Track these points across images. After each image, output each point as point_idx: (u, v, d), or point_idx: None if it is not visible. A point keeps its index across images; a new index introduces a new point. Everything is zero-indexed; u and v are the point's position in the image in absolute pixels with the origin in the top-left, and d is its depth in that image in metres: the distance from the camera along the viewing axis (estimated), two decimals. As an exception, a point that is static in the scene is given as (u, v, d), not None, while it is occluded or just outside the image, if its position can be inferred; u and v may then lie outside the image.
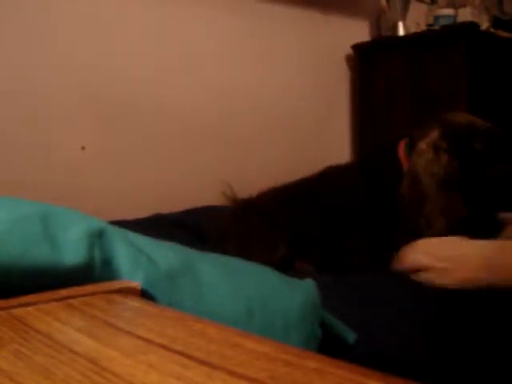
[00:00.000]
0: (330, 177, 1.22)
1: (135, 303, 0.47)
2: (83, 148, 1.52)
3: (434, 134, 1.10)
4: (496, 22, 2.23)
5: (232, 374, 0.32)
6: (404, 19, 2.19)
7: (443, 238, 0.99)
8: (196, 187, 1.74)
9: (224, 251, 0.87)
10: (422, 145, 1.10)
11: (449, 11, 2.16)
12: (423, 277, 0.96)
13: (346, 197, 1.15)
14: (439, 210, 1.05)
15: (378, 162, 1.21)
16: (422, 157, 1.09)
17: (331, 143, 2.18)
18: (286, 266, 0.75)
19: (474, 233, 1.00)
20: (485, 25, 2.14)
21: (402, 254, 1.01)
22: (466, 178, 1.07)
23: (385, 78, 2.14)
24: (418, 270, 0.97)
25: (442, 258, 0.95)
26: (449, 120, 1.14)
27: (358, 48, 2.20)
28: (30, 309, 0.43)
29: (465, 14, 2.14)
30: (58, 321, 0.41)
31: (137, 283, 0.51)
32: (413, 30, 2.19)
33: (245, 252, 0.98)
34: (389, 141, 1.36)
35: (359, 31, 2.26)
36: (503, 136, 1.12)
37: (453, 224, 1.04)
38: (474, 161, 1.07)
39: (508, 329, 0.85)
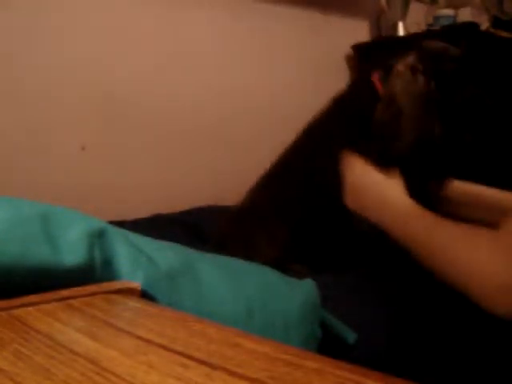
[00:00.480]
0: (313, 144, 1.24)
1: (135, 303, 0.47)
2: (83, 148, 1.52)
3: (411, 58, 1.14)
4: (496, 22, 2.23)
5: (232, 373, 0.32)
6: (404, 19, 2.19)
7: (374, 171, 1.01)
8: (196, 187, 1.74)
9: (225, 252, 0.87)
10: (400, 67, 1.14)
11: (449, 11, 2.16)
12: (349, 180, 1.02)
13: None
14: (413, 126, 1.08)
15: (353, 94, 1.25)
16: (400, 78, 1.13)
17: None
18: (279, 268, 0.76)
19: (446, 158, 1.05)
20: (485, 25, 2.14)
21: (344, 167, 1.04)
22: (442, 98, 1.10)
23: (385, 78, 2.14)
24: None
25: (356, 181, 1.01)
26: (424, 45, 1.20)
27: (357, 48, 2.19)
28: (30, 309, 0.43)
29: (465, 14, 2.14)
30: (58, 321, 0.41)
31: (137, 283, 0.51)
32: (413, 30, 2.19)
33: (246, 253, 0.98)
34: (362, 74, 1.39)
35: (359, 31, 2.26)
36: (475, 61, 1.18)
37: (423, 139, 1.06)
38: (447, 82, 1.11)
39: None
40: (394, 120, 1.09)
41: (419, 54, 1.15)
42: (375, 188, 0.98)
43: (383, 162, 1.02)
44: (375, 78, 1.18)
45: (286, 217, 1.18)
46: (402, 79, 1.12)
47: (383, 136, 1.09)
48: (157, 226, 1.31)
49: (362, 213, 0.99)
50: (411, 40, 2.10)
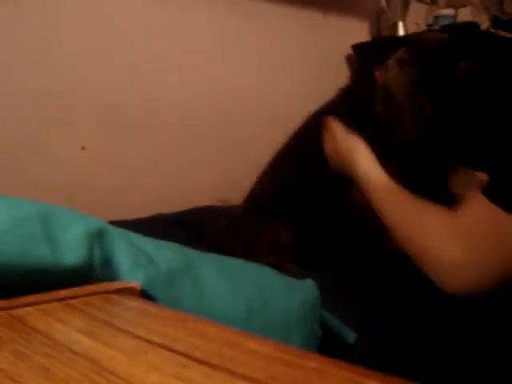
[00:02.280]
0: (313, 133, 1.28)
1: (135, 303, 0.47)
2: (83, 148, 1.52)
3: (401, 51, 1.19)
4: (496, 22, 2.23)
5: (232, 374, 0.32)
6: (404, 19, 2.19)
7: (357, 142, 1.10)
8: (196, 187, 1.74)
9: (227, 252, 0.87)
10: (391, 62, 1.19)
11: (449, 11, 2.16)
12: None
13: None
14: (406, 114, 1.12)
15: (357, 88, 1.30)
16: (390, 71, 1.18)
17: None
18: (279, 268, 0.77)
19: (441, 139, 1.08)
20: (485, 25, 2.14)
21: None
22: (431, 81, 1.13)
23: (385, 78, 2.14)
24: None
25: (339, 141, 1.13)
26: (414, 37, 1.23)
27: (357, 48, 2.19)
28: (30, 309, 0.43)
29: (465, 14, 2.14)
30: (58, 321, 0.41)
31: (137, 283, 0.51)
32: (413, 30, 2.19)
33: (250, 253, 0.99)
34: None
35: (359, 31, 2.26)
36: (465, 43, 1.22)
37: (421, 124, 1.10)
38: (433, 66, 1.14)
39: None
40: (390, 112, 1.14)
41: (407, 46, 1.19)
42: (349, 151, 1.09)
43: (388, 153, 1.09)
44: (377, 74, 1.22)
45: (287, 216, 1.18)
46: (392, 72, 1.17)
47: (386, 130, 1.13)
48: (157, 226, 1.31)
49: (344, 173, 1.10)
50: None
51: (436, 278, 0.79)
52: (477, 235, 0.76)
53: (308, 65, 2.09)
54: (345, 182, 1.13)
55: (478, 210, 0.77)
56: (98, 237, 0.53)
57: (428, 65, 1.14)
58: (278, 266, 0.91)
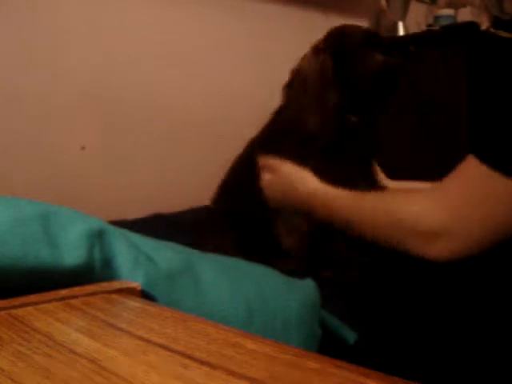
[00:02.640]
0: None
1: (135, 303, 0.47)
2: (83, 148, 1.52)
3: (320, 40, 1.21)
4: (496, 22, 2.23)
5: (232, 373, 0.32)
6: (404, 19, 2.19)
7: (298, 171, 1.05)
8: (196, 187, 1.74)
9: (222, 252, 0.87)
10: (308, 50, 1.21)
11: (449, 11, 2.16)
12: (265, 178, 1.09)
13: None
14: (314, 101, 1.12)
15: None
16: (305, 59, 1.21)
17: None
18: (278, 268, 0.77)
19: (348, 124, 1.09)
20: (485, 25, 2.14)
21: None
22: (343, 72, 1.14)
23: (385, 78, 2.14)
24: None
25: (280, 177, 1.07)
26: (335, 27, 1.23)
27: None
28: (30, 309, 0.43)
29: (465, 14, 2.14)
30: (58, 321, 0.41)
31: (137, 283, 0.51)
32: (413, 30, 2.19)
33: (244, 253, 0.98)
34: None
35: (359, 31, 2.26)
36: (382, 37, 1.20)
37: (325, 114, 1.11)
38: (350, 56, 1.15)
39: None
40: (297, 97, 1.16)
41: (326, 35, 1.21)
42: (291, 178, 1.05)
43: (301, 151, 1.09)
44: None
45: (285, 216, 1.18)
46: (306, 60, 1.20)
47: (296, 119, 1.14)
48: (157, 226, 1.31)
49: (284, 207, 1.06)
50: (411, 40, 2.10)
51: (413, 245, 0.75)
52: (466, 203, 0.71)
53: (308, 65, 2.09)
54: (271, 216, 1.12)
55: (468, 174, 0.71)
56: (98, 237, 0.53)
57: (342, 55, 1.14)
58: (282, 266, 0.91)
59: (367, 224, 0.84)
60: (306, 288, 0.67)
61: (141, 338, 0.38)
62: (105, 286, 0.50)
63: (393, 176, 1.26)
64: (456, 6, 2.20)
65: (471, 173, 0.71)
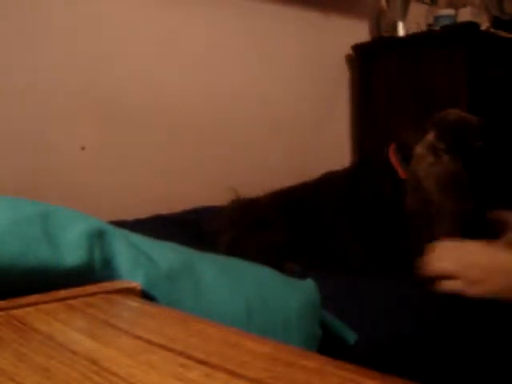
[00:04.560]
0: (324, 184, 1.22)
1: (135, 303, 0.47)
2: (83, 148, 1.52)
3: (430, 136, 1.08)
4: (496, 22, 2.23)
5: (232, 374, 0.32)
6: (404, 19, 2.19)
7: (464, 243, 0.91)
8: (196, 187, 1.74)
9: (219, 251, 0.87)
10: (419, 149, 1.07)
11: (449, 11, 2.16)
12: (451, 285, 0.87)
13: (340, 203, 1.14)
14: (447, 214, 1.01)
15: (371, 170, 1.19)
16: (422, 160, 1.07)
17: (331, 143, 2.18)
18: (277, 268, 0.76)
19: (482, 233, 0.96)
20: (485, 25, 2.14)
21: (425, 261, 0.91)
22: (471, 176, 1.04)
23: (385, 79, 2.14)
24: (444, 278, 0.89)
25: (470, 265, 0.87)
26: (442, 120, 1.11)
27: (358, 48, 2.19)
28: (30, 309, 0.43)
29: (465, 14, 2.14)
30: (58, 321, 0.41)
31: (137, 283, 0.51)
32: (413, 30, 2.19)
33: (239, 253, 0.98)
34: (377, 147, 1.35)
35: (359, 31, 2.26)
36: (498, 130, 1.11)
37: (462, 226, 1.00)
38: (474, 158, 1.05)
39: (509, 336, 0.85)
40: (425, 209, 1.02)
41: (438, 130, 1.07)
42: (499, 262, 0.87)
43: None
44: (391, 154, 1.12)
45: (285, 218, 1.18)
46: (425, 162, 1.05)
47: (418, 227, 1.02)
48: (157, 226, 1.31)
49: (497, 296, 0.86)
50: (411, 40, 2.10)
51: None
52: None
53: (308, 65, 2.09)
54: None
55: None
56: (98, 237, 0.53)
57: (470, 158, 1.03)
58: (281, 266, 0.91)
59: None
60: (306, 288, 0.67)
61: (141, 338, 0.38)
62: (105, 286, 0.50)
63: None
64: (456, 6, 2.20)
65: None
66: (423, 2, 2.38)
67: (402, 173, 1.11)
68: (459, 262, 0.88)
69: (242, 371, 0.32)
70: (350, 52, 2.22)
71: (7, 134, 1.39)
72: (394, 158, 1.12)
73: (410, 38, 2.13)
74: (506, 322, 0.86)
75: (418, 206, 1.03)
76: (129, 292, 0.49)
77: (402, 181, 1.10)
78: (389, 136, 1.97)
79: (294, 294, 0.64)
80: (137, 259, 0.54)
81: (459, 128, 1.08)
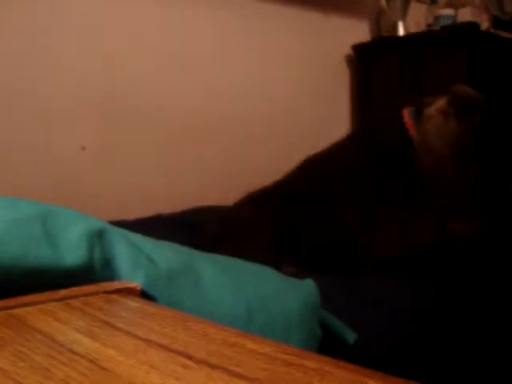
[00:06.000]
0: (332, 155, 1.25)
1: (135, 303, 0.47)
2: (83, 148, 1.52)
3: (442, 101, 1.16)
4: (496, 22, 2.23)
5: (232, 373, 0.32)
6: (404, 19, 2.19)
7: None
8: (196, 187, 1.74)
9: (219, 251, 0.87)
10: (431, 111, 1.15)
11: (449, 11, 2.16)
12: None
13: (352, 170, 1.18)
14: (456, 176, 1.09)
15: (383, 129, 1.26)
16: (432, 121, 1.15)
17: (331, 143, 2.18)
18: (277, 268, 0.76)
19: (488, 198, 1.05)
20: (485, 25, 2.14)
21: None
22: (475, 142, 1.11)
23: (385, 78, 2.14)
24: None
25: None
26: (455, 89, 1.20)
27: (358, 48, 2.19)
28: (30, 309, 0.43)
29: (465, 14, 2.14)
30: (57, 321, 0.41)
31: (137, 283, 0.51)
32: (413, 30, 2.19)
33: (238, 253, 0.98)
34: (390, 110, 1.40)
35: (359, 31, 2.26)
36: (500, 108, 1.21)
37: (471, 186, 1.08)
38: (480, 126, 1.13)
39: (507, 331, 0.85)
40: (434, 164, 1.10)
41: (449, 98, 1.16)
42: None
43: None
44: (406, 116, 1.19)
45: (285, 217, 1.18)
46: (434, 122, 1.13)
47: (433, 185, 1.09)
48: (157, 226, 1.31)
49: None
50: (411, 40, 2.10)
51: None
52: None
53: (308, 65, 2.09)
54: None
55: None
56: (98, 237, 0.53)
57: (473, 128, 1.11)
58: (281, 266, 0.91)
59: None
60: (306, 288, 0.67)
61: (140, 338, 0.38)
62: (105, 286, 0.50)
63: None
64: (456, 6, 2.20)
65: None
66: (423, 2, 2.38)
67: (413, 133, 1.18)
68: None
69: (242, 371, 0.32)
70: (350, 52, 2.22)
71: (7, 133, 1.39)
72: (407, 118, 1.17)
73: (409, 37, 2.13)
74: (506, 322, 0.87)
75: (429, 167, 1.11)
76: (129, 292, 0.49)
77: (412, 140, 1.17)
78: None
79: (294, 294, 0.64)
80: (137, 259, 0.54)
81: (469, 97, 1.17)
